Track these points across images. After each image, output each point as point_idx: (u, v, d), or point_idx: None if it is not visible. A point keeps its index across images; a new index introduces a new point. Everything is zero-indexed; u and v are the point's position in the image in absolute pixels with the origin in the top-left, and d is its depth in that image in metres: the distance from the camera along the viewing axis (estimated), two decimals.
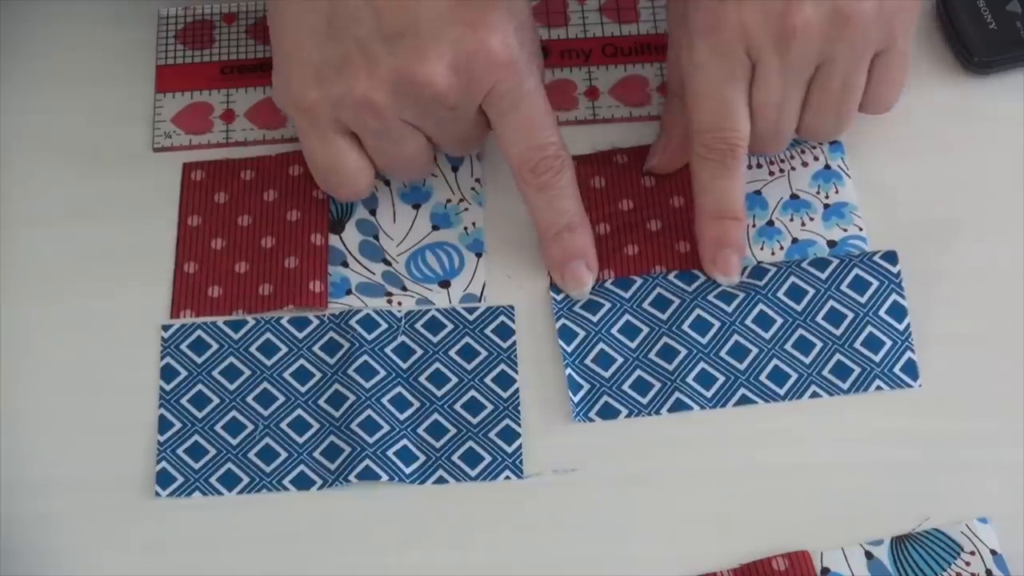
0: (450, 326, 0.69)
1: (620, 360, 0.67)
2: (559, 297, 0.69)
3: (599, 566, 0.64)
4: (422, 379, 0.67)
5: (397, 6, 0.63)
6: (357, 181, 0.68)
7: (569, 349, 0.68)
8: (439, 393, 0.67)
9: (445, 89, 0.64)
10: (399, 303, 0.69)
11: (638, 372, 0.67)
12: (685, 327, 0.68)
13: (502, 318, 0.69)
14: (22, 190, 0.72)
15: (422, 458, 0.66)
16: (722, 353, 0.67)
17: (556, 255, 0.68)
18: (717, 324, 0.68)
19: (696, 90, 0.67)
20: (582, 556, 0.64)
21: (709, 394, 0.67)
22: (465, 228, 0.71)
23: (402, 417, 0.66)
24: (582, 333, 0.68)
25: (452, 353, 0.68)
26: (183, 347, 0.68)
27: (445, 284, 0.70)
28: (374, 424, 0.66)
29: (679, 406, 0.66)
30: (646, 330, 0.68)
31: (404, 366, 0.68)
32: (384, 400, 0.66)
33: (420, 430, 0.66)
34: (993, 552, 0.63)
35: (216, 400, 0.67)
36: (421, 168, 0.69)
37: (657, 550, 0.64)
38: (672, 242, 0.70)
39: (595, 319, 0.68)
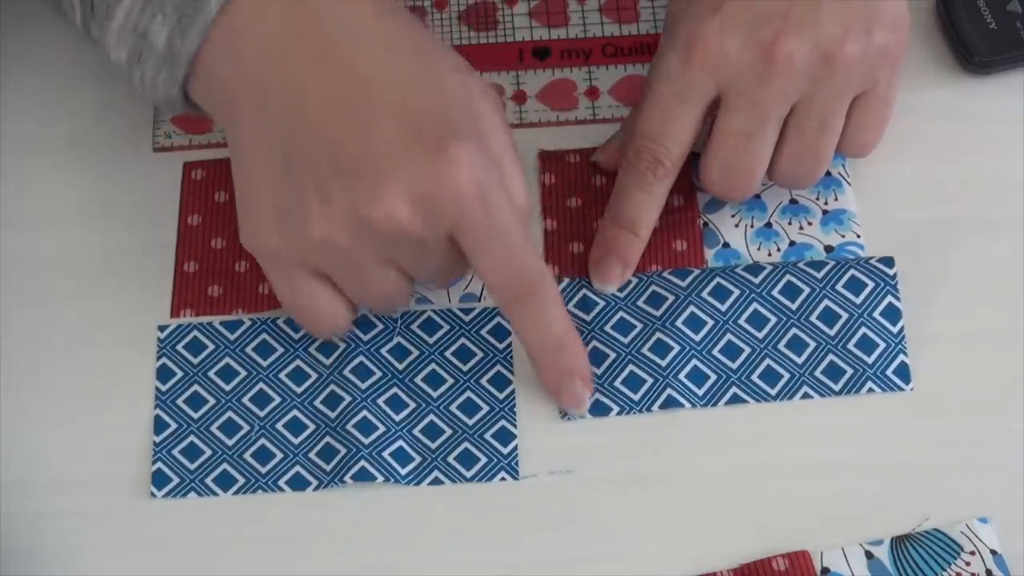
0: (446, 327, 0.68)
1: (612, 355, 0.67)
2: None
3: (598, 566, 0.64)
4: (418, 380, 0.67)
5: (352, 139, 0.60)
6: (334, 319, 0.65)
7: None
8: (435, 394, 0.67)
9: (407, 225, 0.60)
10: None
11: (630, 367, 0.67)
12: (679, 323, 0.68)
13: (498, 319, 0.69)
14: (22, 190, 0.73)
15: (418, 459, 0.66)
16: (715, 351, 0.67)
17: (551, 377, 0.65)
18: (711, 322, 0.68)
19: (648, 95, 0.67)
20: (580, 556, 0.64)
21: (701, 392, 0.67)
22: None
23: (398, 418, 0.66)
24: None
25: (448, 354, 0.68)
26: (179, 348, 0.68)
27: None
28: (370, 425, 0.66)
29: (670, 403, 0.66)
30: (640, 326, 0.68)
31: (400, 367, 0.67)
32: (380, 401, 0.66)
33: (416, 431, 0.66)
34: (993, 552, 0.63)
35: (212, 401, 0.67)
36: (401, 301, 0.65)
37: (657, 550, 0.64)
38: (669, 241, 0.70)
39: (589, 318, 0.68)
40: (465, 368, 0.68)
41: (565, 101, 0.75)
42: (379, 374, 0.67)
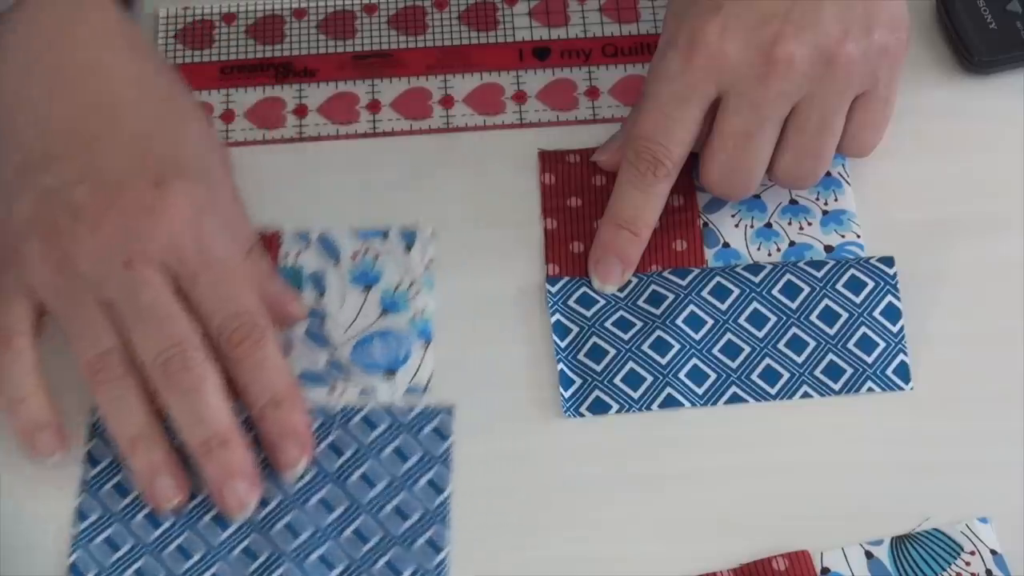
0: (385, 425, 0.65)
1: (612, 352, 0.67)
2: (554, 290, 0.69)
3: (598, 566, 0.64)
4: (352, 479, 0.64)
5: (83, 160, 0.63)
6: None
7: (563, 344, 0.68)
8: (367, 496, 0.64)
9: (121, 254, 0.61)
10: (342, 393, 0.66)
11: (630, 364, 0.67)
12: (679, 322, 0.68)
13: (440, 418, 0.66)
14: None
15: (342, 567, 0.63)
16: (715, 351, 0.67)
17: (268, 433, 0.63)
18: (711, 321, 0.68)
19: (648, 96, 0.67)
20: (580, 556, 0.64)
21: (700, 391, 0.67)
22: (414, 314, 0.68)
23: (328, 520, 0.63)
24: (576, 328, 0.68)
25: (384, 455, 0.65)
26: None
27: (391, 374, 0.67)
28: (298, 529, 0.63)
29: (670, 402, 0.66)
30: (640, 324, 0.68)
31: (333, 468, 0.64)
32: (311, 502, 0.64)
33: (346, 534, 0.63)
34: (993, 552, 0.63)
35: (131, 544, 0.63)
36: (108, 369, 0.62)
37: (656, 550, 0.64)
38: (669, 240, 0.70)
39: (589, 314, 0.68)
40: (400, 470, 0.64)
41: (565, 101, 0.75)
42: (313, 472, 0.64)
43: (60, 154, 0.63)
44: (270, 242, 0.69)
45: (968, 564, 0.63)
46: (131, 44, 0.67)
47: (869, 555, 0.63)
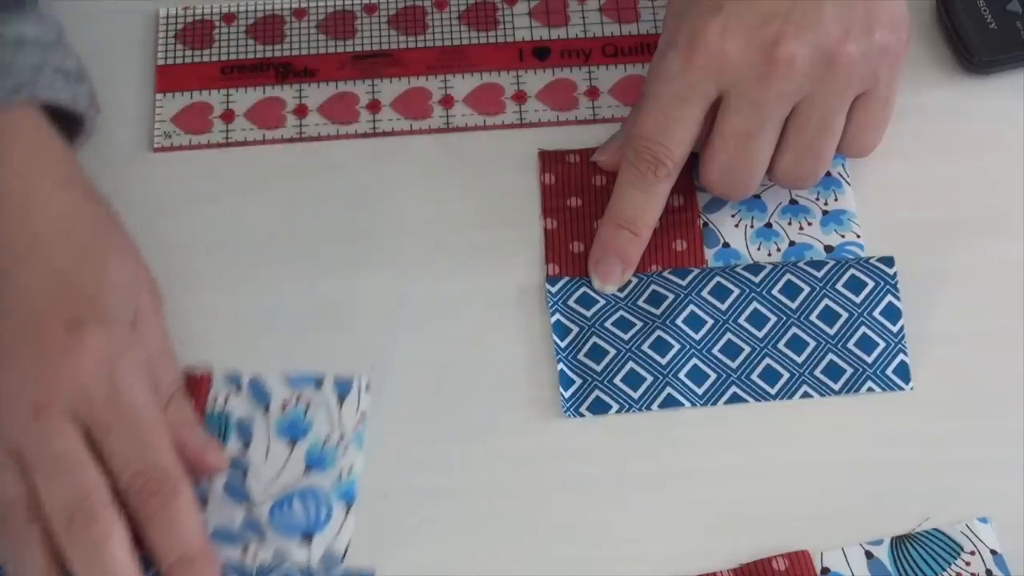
0: None
1: (612, 352, 0.67)
2: (554, 290, 0.69)
3: (598, 566, 0.64)
4: None
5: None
6: None
7: (563, 344, 0.68)
8: None
9: (32, 402, 0.59)
10: (255, 554, 0.63)
11: (630, 364, 0.67)
12: (679, 322, 0.68)
13: None
14: None
15: None
16: (715, 350, 0.67)
17: None
18: (710, 321, 0.68)
19: (649, 96, 0.67)
20: (580, 556, 0.64)
21: (700, 391, 0.67)
22: (340, 473, 0.65)
23: None
24: (576, 328, 0.68)
25: None
26: None
27: (308, 538, 0.63)
28: None
29: (670, 402, 0.66)
30: (640, 324, 0.68)
31: None
32: None
33: None
34: (993, 552, 0.63)
35: None
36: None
37: (656, 550, 0.64)
38: (669, 240, 0.70)
39: (589, 314, 0.68)
40: None
41: (565, 101, 0.75)
42: None
43: None
44: (199, 384, 0.66)
45: (968, 564, 0.63)
46: (63, 173, 0.64)
47: (869, 555, 0.63)
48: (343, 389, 0.66)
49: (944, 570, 0.63)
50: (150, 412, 0.61)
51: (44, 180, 0.63)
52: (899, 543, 0.63)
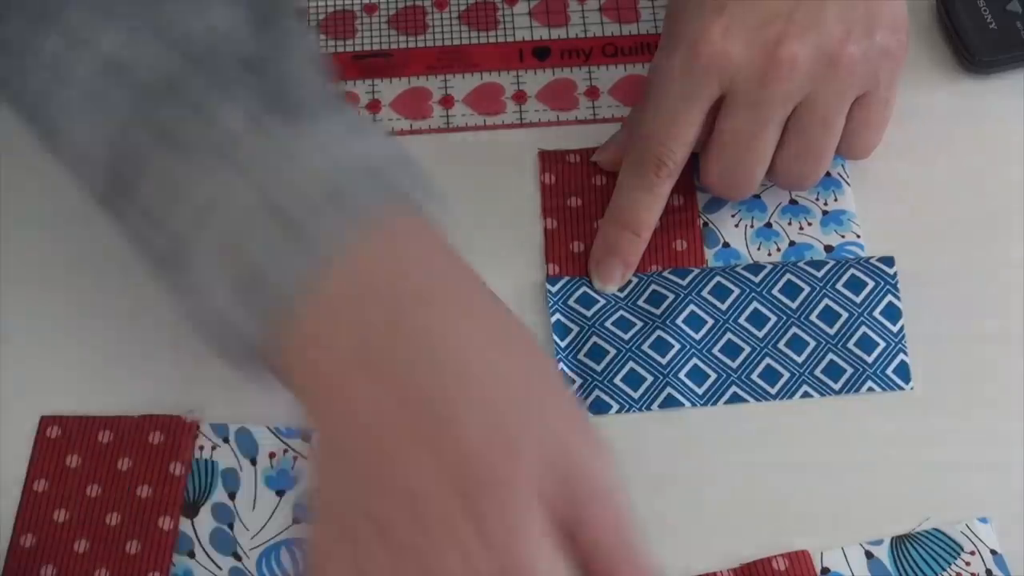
0: None
1: (613, 352, 0.67)
2: (554, 289, 0.69)
3: None
4: None
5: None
6: None
7: (563, 344, 0.68)
8: None
9: None
10: None
11: (631, 364, 0.67)
12: (679, 322, 0.68)
13: None
14: (21, 192, 0.72)
15: None
16: (715, 350, 0.67)
17: None
18: (711, 321, 0.68)
19: (650, 95, 0.67)
20: None
21: (700, 391, 0.67)
22: None
23: None
24: (576, 328, 0.68)
25: None
26: None
27: None
28: None
29: (670, 402, 0.66)
30: (640, 324, 0.68)
31: None
32: None
33: None
34: (993, 552, 0.63)
35: None
36: None
37: (656, 550, 0.64)
38: (669, 240, 0.70)
39: (589, 313, 0.68)
40: None
41: (565, 101, 0.75)
42: None
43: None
44: (187, 431, 0.65)
45: (968, 564, 0.63)
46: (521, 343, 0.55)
47: (869, 555, 0.63)
48: None
49: (944, 570, 0.63)
50: None
51: (478, 336, 0.53)
52: (899, 543, 0.63)
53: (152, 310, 0.64)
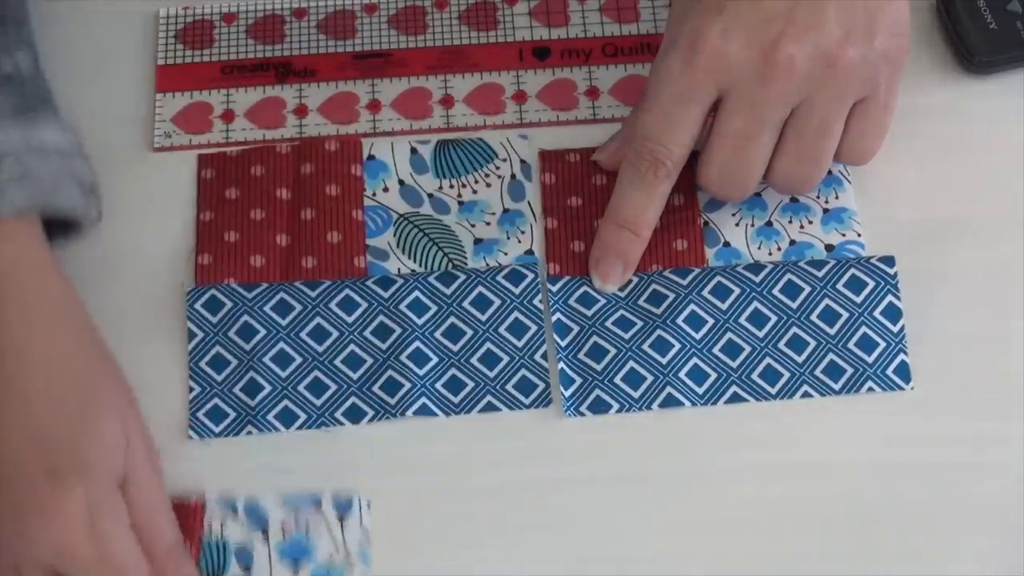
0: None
1: (613, 351, 0.67)
2: (555, 289, 0.69)
3: (598, 566, 0.64)
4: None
5: None
6: None
7: (563, 344, 0.68)
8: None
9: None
10: None
11: (631, 364, 0.67)
12: (679, 321, 0.68)
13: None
14: None
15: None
16: (715, 350, 0.67)
17: None
18: (711, 321, 0.68)
19: (650, 96, 0.67)
20: (580, 556, 0.64)
21: (701, 390, 0.67)
22: None
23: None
24: (576, 328, 0.68)
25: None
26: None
27: None
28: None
29: (670, 402, 0.66)
30: (640, 323, 0.68)
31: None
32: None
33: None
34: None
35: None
36: None
37: (656, 550, 0.64)
38: (670, 240, 0.70)
39: (589, 313, 0.68)
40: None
41: (565, 101, 0.75)
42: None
43: None
44: (193, 512, 0.65)
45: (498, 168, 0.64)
46: (62, 319, 0.63)
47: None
48: (343, 508, 0.64)
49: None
50: (139, 571, 0.60)
51: (40, 327, 0.62)
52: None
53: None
